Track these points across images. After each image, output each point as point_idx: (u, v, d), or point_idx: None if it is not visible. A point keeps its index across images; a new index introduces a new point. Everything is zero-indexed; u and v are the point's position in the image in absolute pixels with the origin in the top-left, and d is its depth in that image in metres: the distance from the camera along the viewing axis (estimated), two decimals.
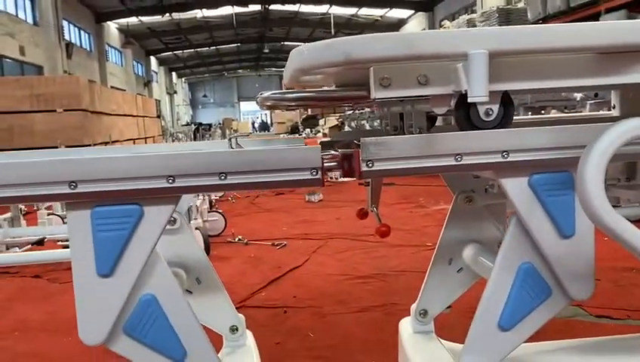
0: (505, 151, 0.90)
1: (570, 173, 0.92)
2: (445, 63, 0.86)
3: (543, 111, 5.64)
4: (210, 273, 1.40)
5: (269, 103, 1.00)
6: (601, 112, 1.68)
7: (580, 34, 0.83)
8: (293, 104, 1.01)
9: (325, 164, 0.91)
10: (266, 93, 1.00)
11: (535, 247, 0.96)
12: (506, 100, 0.92)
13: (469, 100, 0.82)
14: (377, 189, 1.26)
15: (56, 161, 0.85)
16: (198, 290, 1.39)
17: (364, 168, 0.88)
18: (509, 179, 0.93)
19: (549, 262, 0.96)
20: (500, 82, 0.87)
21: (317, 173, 0.89)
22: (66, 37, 18.76)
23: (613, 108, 1.43)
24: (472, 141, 0.89)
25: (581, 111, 5.43)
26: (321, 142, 1.23)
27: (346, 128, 10.76)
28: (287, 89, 1.15)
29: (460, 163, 0.89)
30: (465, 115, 0.91)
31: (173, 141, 12.78)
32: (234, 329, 1.42)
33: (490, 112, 0.90)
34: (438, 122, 1.39)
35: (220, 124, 25.89)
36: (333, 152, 0.97)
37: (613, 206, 0.82)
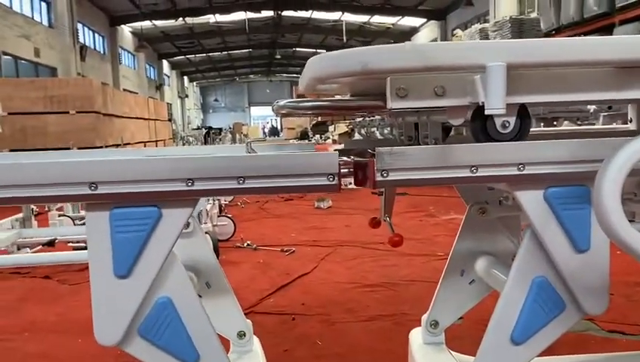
0: (521, 164, 0.90)
1: (586, 187, 0.92)
2: (462, 75, 0.87)
3: (555, 123, 5.61)
4: (220, 278, 1.41)
5: (284, 111, 1.01)
6: (617, 125, 1.67)
7: (599, 48, 0.83)
8: (308, 113, 1.02)
9: (341, 170, 0.92)
10: (282, 102, 1.01)
11: (549, 261, 0.96)
12: (522, 113, 0.92)
13: (486, 112, 0.82)
14: (391, 199, 1.26)
15: (78, 162, 0.86)
16: (208, 294, 1.40)
17: (378, 178, 0.89)
18: (524, 191, 0.93)
19: (563, 276, 0.96)
20: (518, 95, 0.87)
21: (334, 178, 0.90)
22: (80, 39, 18.97)
23: (630, 121, 1.42)
24: (488, 153, 0.89)
25: (594, 123, 5.40)
26: (335, 150, 1.24)
27: (356, 135, 10.77)
28: (298, 95, 1.16)
29: (476, 175, 0.90)
30: (481, 126, 0.91)
31: (184, 145, 12.86)
32: (241, 335, 1.43)
33: (507, 125, 0.90)
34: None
35: (230, 128, 26.03)
36: (347, 159, 0.98)
37: (629, 221, 0.82)
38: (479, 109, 0.86)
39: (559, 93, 0.90)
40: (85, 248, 3.23)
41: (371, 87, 1.02)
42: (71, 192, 0.86)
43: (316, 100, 0.96)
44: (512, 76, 0.83)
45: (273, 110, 1.02)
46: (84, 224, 3.95)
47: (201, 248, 1.37)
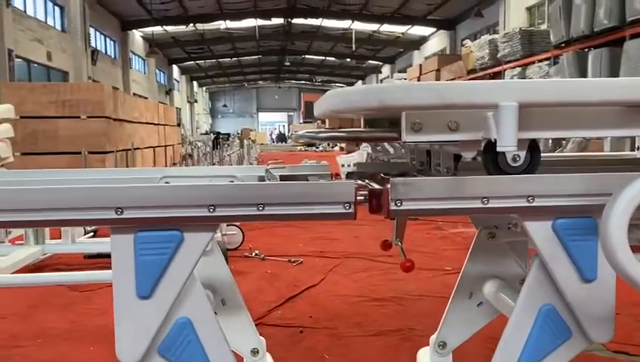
0: (530, 196, 0.93)
1: (593, 220, 0.95)
2: (476, 110, 0.90)
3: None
4: (235, 295, 1.44)
5: (302, 141, 1.05)
6: (626, 152, 1.70)
7: (608, 90, 0.87)
8: (324, 142, 1.06)
9: (357, 199, 0.95)
10: (301, 132, 1.05)
11: (556, 290, 0.99)
12: (532, 146, 0.95)
13: (498, 149, 0.86)
14: (402, 224, 1.30)
15: (105, 188, 0.91)
16: (223, 311, 1.44)
17: (392, 207, 0.93)
18: (533, 222, 0.97)
19: (570, 305, 0.99)
20: (529, 130, 0.91)
21: (350, 206, 0.94)
22: (92, 44, 19.19)
23: (638, 149, 1.45)
24: (499, 185, 0.93)
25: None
26: (348, 174, 1.27)
27: (363, 143, 10.80)
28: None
29: (487, 206, 0.93)
30: (493, 159, 0.95)
31: (192, 150, 12.93)
32: (255, 352, 1.46)
33: (518, 158, 0.94)
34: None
35: (238, 133, 26.17)
36: (362, 182, 1.02)
37: (636, 246, 0.85)
38: (491, 143, 0.90)
39: (569, 129, 0.94)
40: (94, 256, 3.23)
41: (385, 115, 1.06)
42: (98, 216, 0.91)
43: (332, 131, 1.00)
44: (524, 113, 0.87)
45: (291, 138, 1.06)
46: (93, 230, 3.97)
47: (219, 266, 1.41)
